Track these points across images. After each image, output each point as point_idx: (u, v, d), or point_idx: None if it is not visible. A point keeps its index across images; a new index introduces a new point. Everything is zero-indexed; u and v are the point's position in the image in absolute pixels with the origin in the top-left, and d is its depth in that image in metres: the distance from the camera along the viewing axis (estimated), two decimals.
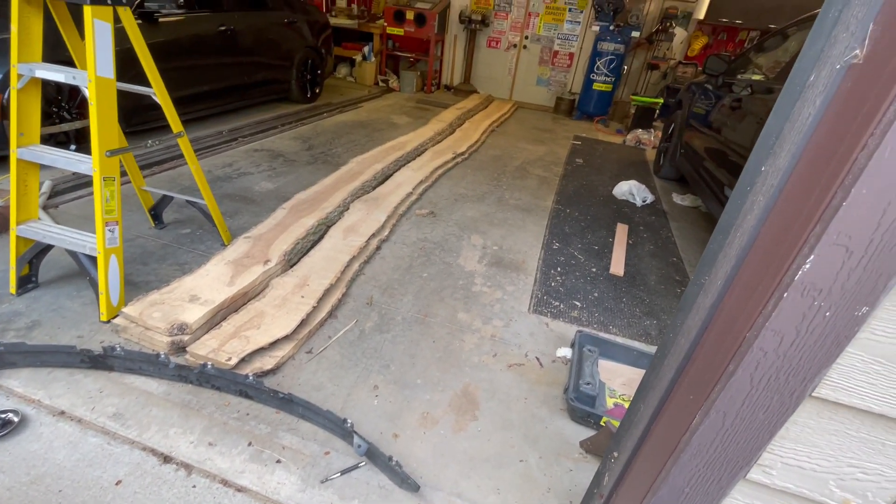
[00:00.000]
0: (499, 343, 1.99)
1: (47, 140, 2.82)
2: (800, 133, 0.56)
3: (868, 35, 0.48)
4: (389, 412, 1.58)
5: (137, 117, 3.35)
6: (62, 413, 1.42)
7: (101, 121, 1.61)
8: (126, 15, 1.68)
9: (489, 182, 3.86)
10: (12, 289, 1.84)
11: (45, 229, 1.78)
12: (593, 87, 6.64)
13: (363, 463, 1.39)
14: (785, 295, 0.53)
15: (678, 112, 4.42)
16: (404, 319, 2.05)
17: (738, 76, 3.46)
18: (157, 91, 1.92)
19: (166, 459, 1.34)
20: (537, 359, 1.92)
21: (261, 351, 1.68)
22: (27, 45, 1.62)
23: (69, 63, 1.83)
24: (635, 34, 6.34)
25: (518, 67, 7.51)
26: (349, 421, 1.42)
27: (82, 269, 1.78)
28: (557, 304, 2.31)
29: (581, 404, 1.60)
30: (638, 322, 2.26)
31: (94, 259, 1.71)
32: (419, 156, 4.02)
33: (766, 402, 0.60)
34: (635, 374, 1.85)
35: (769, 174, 0.61)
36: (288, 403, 1.49)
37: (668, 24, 6.32)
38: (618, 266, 2.74)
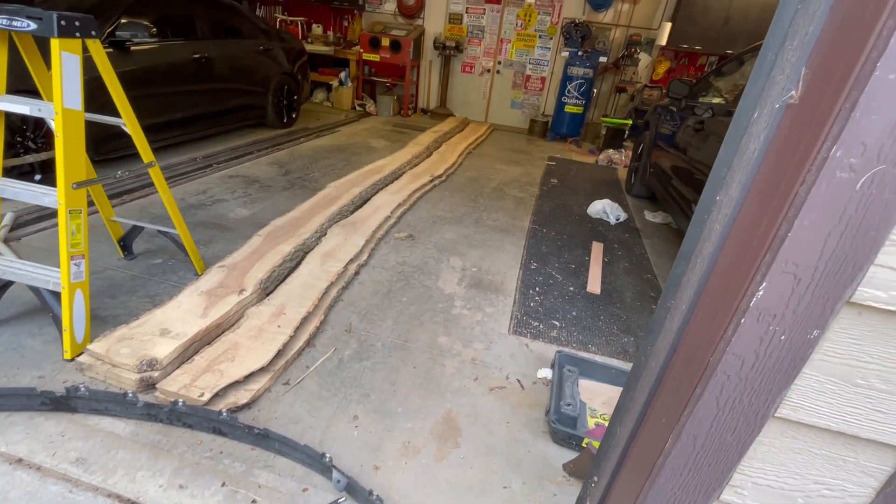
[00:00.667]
0: (480, 366, 1.98)
1: (10, 171, 2.74)
2: (748, 166, 0.59)
3: (801, 78, 0.52)
4: (370, 443, 1.55)
5: (107, 145, 3.29)
6: (20, 461, 1.34)
7: (68, 152, 1.58)
8: (96, 47, 1.67)
9: (467, 204, 3.91)
10: None
11: (4, 265, 1.71)
12: (565, 110, 6.87)
13: (343, 499, 1.34)
14: (742, 321, 0.55)
15: (646, 133, 4.60)
16: (384, 346, 2.03)
17: (700, 99, 3.64)
18: (128, 121, 1.89)
19: None
20: (518, 381, 1.92)
21: (235, 385, 1.63)
22: None
23: (35, 92, 1.80)
24: (602, 59, 6.62)
25: (492, 91, 7.71)
26: (328, 455, 1.38)
27: (45, 306, 1.71)
28: (537, 324, 2.33)
29: (562, 426, 1.60)
30: (616, 339, 2.30)
31: (57, 295, 1.65)
32: (397, 179, 4.05)
33: (732, 424, 0.62)
34: (615, 393, 1.87)
35: (723, 203, 0.64)
36: (264, 439, 1.44)
37: (633, 49, 6.63)
38: (594, 284, 2.79)
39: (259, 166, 4.14)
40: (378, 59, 7.10)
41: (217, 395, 1.57)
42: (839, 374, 0.56)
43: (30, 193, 1.63)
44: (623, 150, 6.15)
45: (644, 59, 6.77)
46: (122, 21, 3.42)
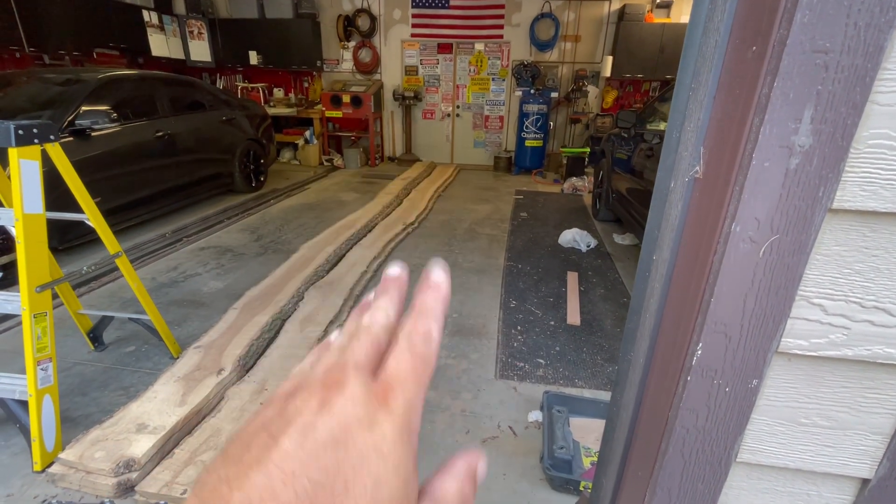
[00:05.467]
0: (470, 418, 1.96)
1: None
2: (673, 231, 0.65)
3: (701, 155, 0.59)
4: None
5: (71, 233, 3.24)
6: None
7: (30, 256, 1.56)
8: (55, 150, 1.69)
9: (441, 248, 3.97)
10: None
11: None
12: (526, 144, 7.16)
13: None
14: (689, 378, 0.59)
15: (603, 160, 4.83)
16: None
17: (648, 125, 3.88)
18: (90, 215, 1.89)
19: None
20: (510, 428, 1.91)
21: None
22: None
23: None
24: (554, 94, 7.00)
25: (455, 134, 8.00)
26: None
27: (11, 416, 1.63)
28: (522, 364, 2.34)
29: (558, 472, 1.59)
30: (601, 370, 2.32)
31: (25, 403, 1.58)
32: (370, 231, 4.09)
33: (700, 474, 0.65)
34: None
35: (659, 263, 0.69)
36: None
37: (581, 83, 7.05)
38: (574, 316, 2.84)
39: (230, 234, 4.13)
40: (341, 115, 7.32)
41: None
42: (785, 416, 0.60)
43: None
44: (585, 177, 6.41)
45: (592, 90, 7.18)
46: (83, 110, 3.46)
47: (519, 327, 2.70)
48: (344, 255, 3.50)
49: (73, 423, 1.83)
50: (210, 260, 3.53)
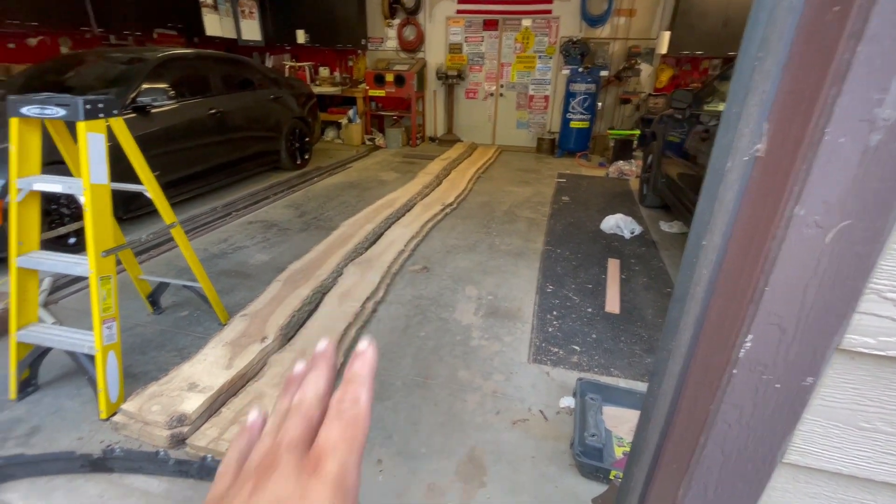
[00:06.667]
0: (501, 399, 1.97)
1: (47, 241, 2.91)
2: (727, 214, 0.61)
3: (764, 132, 0.54)
4: (395, 487, 1.55)
5: (134, 204, 3.47)
6: None
7: (97, 223, 1.69)
8: (118, 124, 1.80)
9: (479, 230, 3.94)
10: (12, 394, 1.85)
11: (44, 332, 1.81)
12: (571, 125, 6.91)
13: None
14: (735, 371, 0.56)
15: (654, 143, 4.59)
16: (404, 384, 2.04)
17: (706, 106, 3.63)
18: (149, 187, 2.01)
19: None
20: (541, 412, 1.90)
21: None
22: (26, 160, 1.72)
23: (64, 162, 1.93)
24: (604, 73, 6.67)
25: (497, 114, 7.83)
26: None
27: (81, 369, 1.80)
28: (556, 350, 2.31)
29: (588, 459, 1.57)
30: (639, 361, 2.25)
31: (92, 358, 1.73)
32: (409, 211, 4.12)
33: (741, 472, 0.61)
34: None
35: (709, 249, 0.65)
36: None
37: (634, 61, 6.67)
38: (613, 304, 2.76)
39: (276, 210, 4.29)
40: (384, 94, 7.34)
41: None
42: (842, 419, 0.55)
43: (64, 265, 1.74)
44: (633, 161, 6.13)
45: (646, 69, 6.79)
46: (143, 87, 3.65)
47: (555, 312, 2.66)
48: (382, 234, 3.55)
49: (133, 379, 1.99)
50: (257, 234, 3.68)
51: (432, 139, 8.12)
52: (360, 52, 7.87)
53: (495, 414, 1.89)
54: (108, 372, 1.75)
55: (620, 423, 1.82)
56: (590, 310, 2.70)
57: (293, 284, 2.63)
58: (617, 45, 6.98)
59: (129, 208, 3.47)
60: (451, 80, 7.50)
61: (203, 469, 1.51)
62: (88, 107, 1.62)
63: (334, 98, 7.74)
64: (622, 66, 6.88)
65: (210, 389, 1.77)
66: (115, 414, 1.74)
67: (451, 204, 4.44)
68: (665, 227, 4.12)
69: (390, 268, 3.01)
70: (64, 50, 5.50)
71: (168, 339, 2.29)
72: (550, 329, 2.49)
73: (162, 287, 2.45)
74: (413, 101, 7.34)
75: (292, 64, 7.82)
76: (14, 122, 1.67)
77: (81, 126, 1.62)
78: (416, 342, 2.34)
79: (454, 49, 7.56)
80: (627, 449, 1.69)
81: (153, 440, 1.65)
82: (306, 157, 5.89)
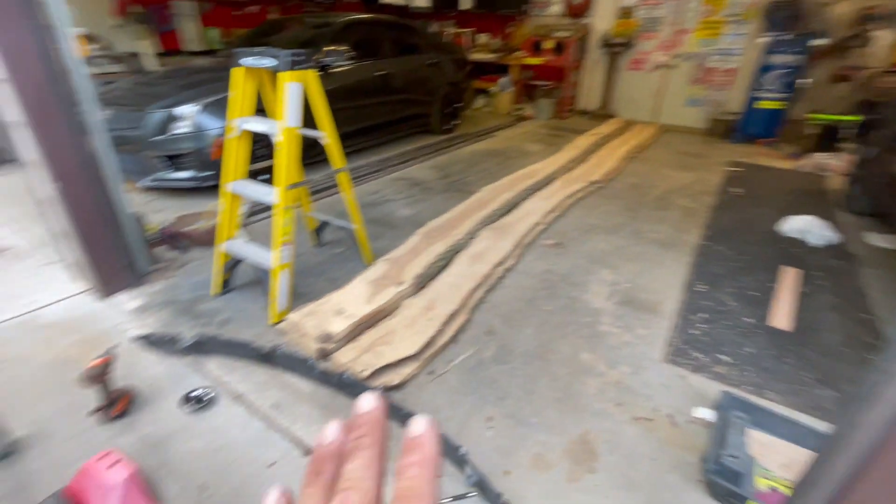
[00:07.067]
0: (625, 391, 1.84)
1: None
2: None
3: None
4: (502, 447, 1.58)
5: (312, 151, 4.00)
6: (239, 396, 1.75)
7: (286, 161, 1.99)
8: (311, 76, 2.06)
9: (624, 213, 3.63)
10: (215, 290, 2.35)
11: (240, 247, 2.24)
12: (759, 105, 5.81)
13: (473, 494, 1.41)
14: None
15: (882, 132, 3.60)
16: (524, 353, 2.04)
17: None
18: (328, 134, 2.28)
19: (307, 452, 1.55)
20: (669, 416, 1.73)
21: (389, 366, 1.84)
22: (243, 104, 2.09)
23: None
24: (819, 42, 5.38)
25: (665, 88, 6.97)
26: (463, 448, 1.46)
27: (261, 280, 2.19)
28: (698, 355, 2.05)
29: (722, 479, 1.39)
30: (806, 390, 1.87)
31: (269, 273, 2.09)
32: (549, 184, 3.99)
33: None
34: (800, 455, 1.53)
35: None
36: (410, 418, 1.60)
37: (866, 26, 5.23)
38: (782, 318, 2.32)
39: (422, 170, 4.54)
40: (540, 62, 7.07)
41: (374, 374, 1.79)
42: None
43: (260, 193, 2.10)
44: (838, 154, 4.93)
45: (884, 37, 5.28)
46: (328, 48, 4.12)
47: (703, 315, 2.35)
48: (519, 204, 3.51)
49: (296, 297, 2.36)
50: (403, 189, 3.97)
51: (584, 112, 7.64)
52: (521, 17, 7.66)
53: (616, 405, 1.77)
54: (279, 286, 2.10)
55: (769, 452, 1.55)
56: (749, 320, 2.32)
57: (430, 239, 2.79)
58: (845, 6, 5.53)
59: (308, 154, 4.01)
60: (616, 48, 6.86)
61: (340, 382, 1.74)
62: (291, 59, 1.88)
63: (488, 65, 7.73)
64: (847, 34, 5.45)
65: (353, 317, 2.00)
66: (281, 322, 2.09)
67: (596, 182, 4.16)
68: (874, 239, 3.26)
69: (523, 238, 2.98)
70: (272, 17, 6.47)
71: (324, 270, 2.65)
72: (695, 331, 2.21)
73: (325, 225, 2.82)
74: (569, 71, 6.95)
75: (454, 30, 8.00)
76: (237, 72, 2.03)
77: (285, 75, 1.89)
78: (540, 315, 2.30)
79: (625, 14, 6.85)
80: (776, 484, 1.44)
81: (306, 349, 1.94)
82: (455, 122, 6.07)
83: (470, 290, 2.33)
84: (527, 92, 7.76)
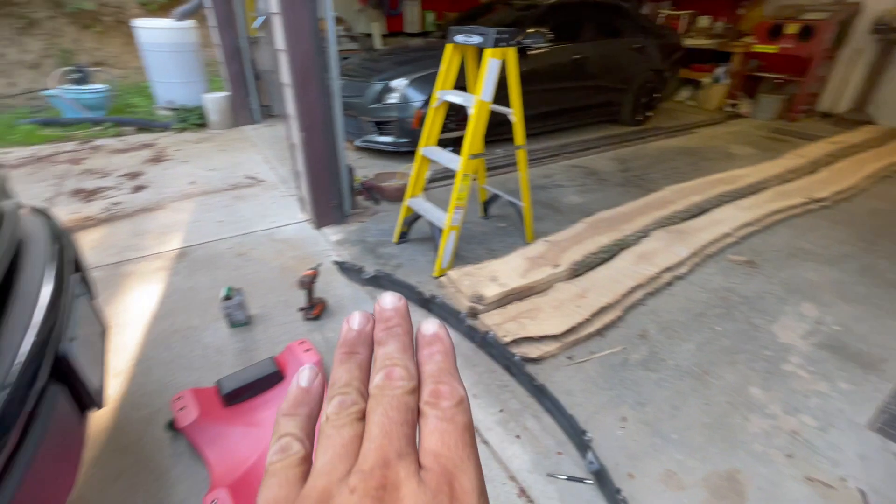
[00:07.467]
0: (801, 444, 1.54)
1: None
2: None
3: None
4: (631, 450, 1.51)
5: (494, 130, 4.20)
6: None
7: (474, 132, 2.16)
8: (511, 53, 2.17)
9: (855, 242, 2.89)
10: (395, 238, 2.73)
11: (421, 204, 2.54)
12: None
13: (590, 481, 1.40)
14: None
15: None
16: (677, 367, 1.86)
17: None
18: (515, 112, 2.38)
19: None
20: (861, 491, 1.39)
21: (529, 340, 1.90)
22: (447, 78, 2.33)
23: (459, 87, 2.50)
24: None
25: None
26: (589, 434, 1.45)
27: (432, 236, 2.46)
28: None
29: None
30: None
31: (440, 231, 2.33)
32: (754, 194, 3.40)
33: None
34: None
35: None
36: (540, 393, 1.65)
37: None
38: None
39: (601, 160, 4.34)
40: (776, 51, 5.90)
41: (515, 342, 1.88)
42: None
43: (446, 158, 2.34)
44: None
45: None
46: (529, 31, 4.19)
47: None
48: (709, 210, 3.10)
49: (457, 258, 2.58)
50: (577, 177, 3.87)
51: (826, 115, 6.15)
52: None
53: (785, 455, 1.50)
54: (446, 245, 2.33)
55: None
56: None
57: (596, 229, 2.70)
58: None
59: (492, 132, 4.22)
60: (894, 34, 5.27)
61: (483, 341, 1.88)
62: (497, 36, 2.02)
63: (704, 52, 6.78)
64: None
65: (505, 286, 2.11)
66: (441, 276, 2.33)
67: (821, 200, 3.38)
68: None
69: (705, 247, 2.64)
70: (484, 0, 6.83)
71: (486, 239, 2.82)
72: None
73: (495, 198, 2.98)
74: (816, 62, 5.63)
75: (669, 12, 7.22)
76: (448, 47, 2.27)
77: (488, 51, 2.04)
78: (706, 332, 2.05)
79: None
80: None
81: (458, 305, 2.14)
82: (648, 114, 5.56)
83: (629, 288, 2.21)
84: (747, 85, 6.59)
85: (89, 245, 2.61)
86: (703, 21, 7.02)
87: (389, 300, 0.23)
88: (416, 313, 2.13)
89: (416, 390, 0.20)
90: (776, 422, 1.62)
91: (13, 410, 0.67)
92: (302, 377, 0.22)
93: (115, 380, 1.70)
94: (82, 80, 4.88)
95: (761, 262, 2.64)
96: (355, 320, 0.23)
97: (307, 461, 0.19)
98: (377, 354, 0.21)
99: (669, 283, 2.39)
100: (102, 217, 2.95)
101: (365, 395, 0.20)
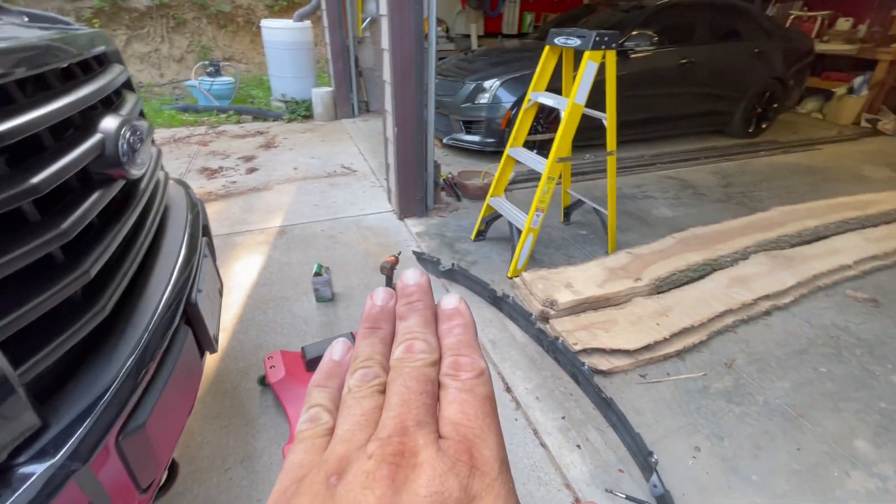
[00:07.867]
0: None
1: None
2: None
3: None
4: (702, 482, 1.42)
5: (583, 135, 4.08)
6: None
7: (564, 135, 2.14)
8: (610, 56, 2.11)
9: None
10: (473, 236, 2.78)
11: (502, 203, 2.57)
12: None
13: None
14: None
15: None
16: (767, 404, 1.70)
17: None
18: (609, 116, 2.31)
19: (507, 389, 1.75)
20: None
21: (601, 352, 1.85)
22: (541, 79, 2.33)
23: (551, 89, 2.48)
24: None
25: None
26: (654, 457, 1.39)
27: (510, 237, 2.47)
28: None
29: None
30: None
31: (519, 232, 2.34)
32: (888, 224, 2.95)
33: None
34: None
35: None
36: (605, 406, 1.60)
37: None
38: None
39: (699, 173, 4.03)
40: None
41: (585, 351, 1.84)
42: None
43: (533, 161, 2.34)
44: None
45: None
46: (633, 33, 4.00)
47: None
48: (826, 237, 2.75)
49: (533, 261, 2.57)
50: (670, 189, 3.64)
51: None
52: None
53: None
54: (524, 246, 2.33)
55: None
56: None
57: (686, 246, 2.52)
58: None
59: (582, 136, 4.11)
60: None
61: (552, 346, 1.86)
62: (597, 39, 1.97)
63: (839, 59, 5.96)
64: None
65: (580, 294, 2.07)
66: (515, 277, 2.34)
67: None
68: None
69: (816, 278, 2.35)
70: (586, 0, 6.64)
71: (564, 245, 2.76)
72: None
73: (577, 204, 2.91)
74: None
75: (799, 13, 6.45)
76: (546, 49, 2.26)
77: (587, 54, 2.00)
78: (807, 372, 1.84)
79: None
80: None
81: (530, 307, 2.13)
82: (763, 125, 5.03)
83: (717, 312, 2.05)
84: (892, 98, 5.68)
85: (210, 216, 3.00)
86: (843, 24, 6.17)
87: (412, 276, 0.23)
88: (487, 311, 2.17)
89: (437, 363, 0.20)
90: (885, 484, 1.42)
91: (156, 342, 0.83)
92: (335, 350, 0.23)
93: (221, 334, 1.95)
94: (215, 73, 5.57)
95: (887, 302, 2.29)
96: (378, 296, 0.23)
97: (334, 431, 0.19)
98: (399, 329, 0.22)
99: (767, 313, 2.17)
100: (221, 193, 3.37)
101: (387, 369, 0.20)
